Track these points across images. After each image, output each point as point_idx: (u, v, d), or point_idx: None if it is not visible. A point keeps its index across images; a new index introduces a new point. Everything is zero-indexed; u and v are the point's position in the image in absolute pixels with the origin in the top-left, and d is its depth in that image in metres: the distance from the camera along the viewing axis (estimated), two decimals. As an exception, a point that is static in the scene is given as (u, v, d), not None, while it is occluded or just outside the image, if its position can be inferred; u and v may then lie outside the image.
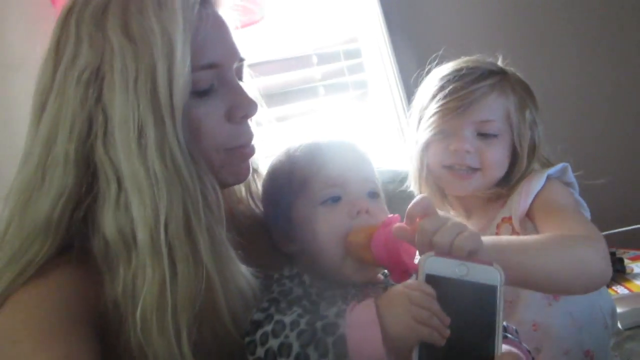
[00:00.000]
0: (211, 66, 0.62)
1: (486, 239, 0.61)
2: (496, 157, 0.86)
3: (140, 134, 0.56)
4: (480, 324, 0.51)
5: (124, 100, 0.56)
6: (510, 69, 0.93)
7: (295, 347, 0.53)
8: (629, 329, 1.07)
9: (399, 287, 0.54)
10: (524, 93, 0.89)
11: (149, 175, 0.56)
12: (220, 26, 0.65)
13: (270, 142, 0.79)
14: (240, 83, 0.67)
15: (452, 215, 0.61)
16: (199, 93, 0.62)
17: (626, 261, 1.29)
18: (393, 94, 1.45)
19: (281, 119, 1.44)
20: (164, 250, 0.55)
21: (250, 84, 0.75)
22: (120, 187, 0.57)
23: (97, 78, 0.57)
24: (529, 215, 0.83)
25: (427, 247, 0.55)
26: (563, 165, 0.87)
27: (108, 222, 0.57)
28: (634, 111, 1.55)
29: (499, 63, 0.94)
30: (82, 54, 0.58)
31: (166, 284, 0.55)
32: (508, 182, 0.88)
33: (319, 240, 0.66)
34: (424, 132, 0.90)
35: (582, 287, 0.72)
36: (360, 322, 0.53)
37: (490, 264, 0.53)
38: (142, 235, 0.56)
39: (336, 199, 0.67)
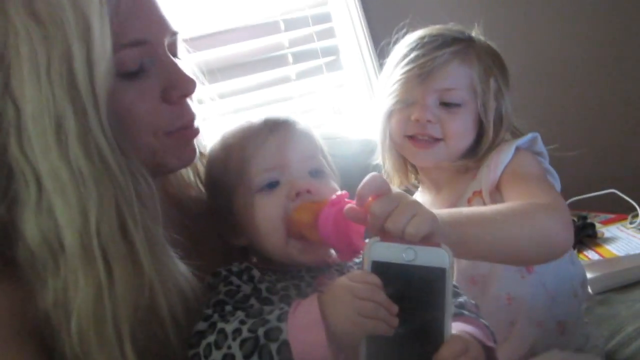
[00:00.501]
0: (137, 43, 0.56)
1: (444, 213, 0.60)
2: (459, 127, 0.84)
3: (59, 127, 0.50)
4: (430, 309, 0.50)
5: (35, 91, 0.50)
6: (481, 37, 0.90)
7: (239, 358, 0.50)
8: (600, 293, 1.08)
9: (342, 280, 0.52)
10: (490, 62, 0.86)
11: (73, 173, 0.51)
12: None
13: (225, 118, 0.74)
14: (175, 60, 0.62)
15: (405, 192, 0.59)
16: (128, 75, 0.56)
17: (597, 225, 1.30)
18: (365, 60, 1.41)
19: (248, 90, 1.38)
20: (98, 254, 0.51)
21: (187, 60, 0.70)
22: (41, 189, 0.51)
23: (1, 66, 0.51)
24: (498, 187, 0.81)
25: (379, 231, 0.53)
26: (532, 135, 0.86)
27: (30, 229, 0.52)
28: (608, 79, 1.54)
29: (474, 32, 0.91)
30: None
31: (102, 291, 0.51)
32: (476, 154, 0.86)
33: (260, 229, 0.63)
34: (386, 101, 0.87)
35: (543, 257, 0.71)
36: (302, 324, 0.50)
37: (438, 245, 0.51)
38: (70, 241, 0.51)
39: (274, 184, 0.64)
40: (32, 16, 0.50)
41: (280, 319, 0.51)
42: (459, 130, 0.84)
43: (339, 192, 0.60)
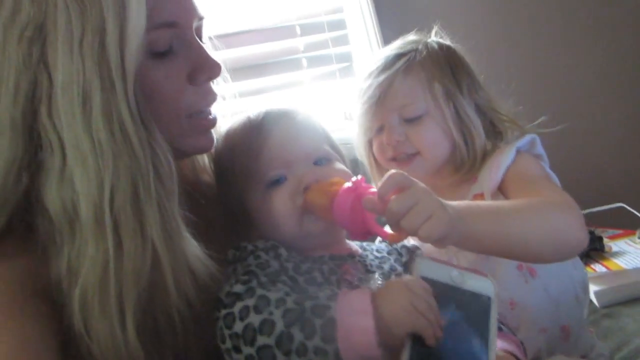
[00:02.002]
0: (169, 25, 0.58)
1: (461, 206, 0.59)
2: (428, 137, 0.85)
3: (85, 98, 0.52)
4: (473, 333, 0.50)
5: (67, 62, 0.51)
6: (434, 41, 0.90)
7: (279, 326, 0.50)
8: (606, 306, 1.07)
9: (397, 279, 0.52)
10: (434, 68, 0.86)
11: (94, 145, 0.52)
12: None
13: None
14: (201, 44, 0.63)
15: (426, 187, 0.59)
16: (158, 54, 0.58)
17: (605, 240, 1.30)
18: (378, 67, 1.42)
19: (261, 91, 1.40)
20: (109, 225, 0.52)
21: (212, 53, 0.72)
22: (65, 158, 0.52)
23: (40, 36, 0.52)
24: (501, 189, 0.81)
25: (397, 227, 0.54)
26: (531, 137, 0.86)
27: (51, 196, 0.53)
28: (619, 91, 1.54)
29: (432, 34, 0.93)
30: (23, 8, 0.52)
31: (109, 263, 0.52)
32: (463, 162, 0.86)
33: (272, 224, 0.64)
34: (359, 134, 0.91)
35: (558, 255, 0.70)
36: (352, 307, 0.50)
37: (485, 275, 0.52)
38: (85, 211, 0.52)
39: (282, 179, 0.65)
40: None
41: (330, 298, 0.51)
42: (429, 141, 0.85)
43: (354, 178, 0.60)
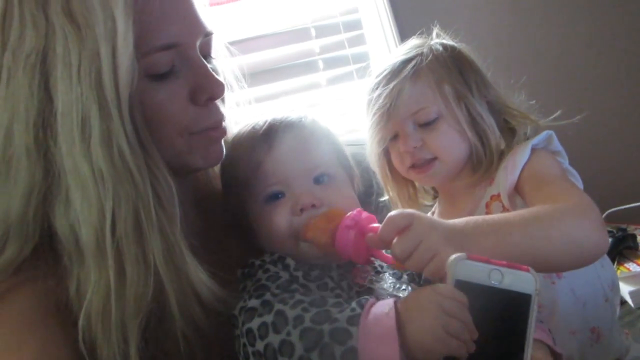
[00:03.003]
0: (169, 47, 0.57)
1: (467, 225, 0.57)
2: (444, 141, 0.83)
3: (84, 125, 0.51)
4: (510, 334, 0.48)
5: (67, 89, 0.51)
6: (437, 43, 0.88)
7: (298, 349, 0.48)
8: (642, 307, 1.03)
9: (428, 292, 0.49)
10: (442, 70, 0.84)
11: (93, 172, 0.52)
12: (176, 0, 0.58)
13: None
14: (213, 60, 0.62)
15: (427, 219, 0.56)
16: (158, 76, 0.57)
17: (639, 238, 1.24)
18: (395, 67, 1.40)
19: (278, 95, 1.39)
20: (110, 252, 0.52)
21: (226, 61, 0.71)
22: (67, 184, 0.53)
23: (42, 62, 0.52)
24: (517, 189, 0.79)
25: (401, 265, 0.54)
26: (547, 133, 0.83)
27: (60, 221, 0.54)
28: None
29: (434, 36, 0.91)
30: (27, 35, 0.52)
31: (111, 291, 0.52)
32: (480, 162, 0.85)
33: (271, 239, 0.64)
34: (373, 144, 0.89)
35: (574, 263, 0.67)
36: (376, 333, 0.47)
37: (527, 269, 0.49)
38: (86, 237, 0.52)
39: (280, 195, 0.64)
40: (68, 17, 0.51)
41: (351, 321, 0.48)
42: (446, 144, 0.84)
43: (351, 212, 0.59)
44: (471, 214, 0.84)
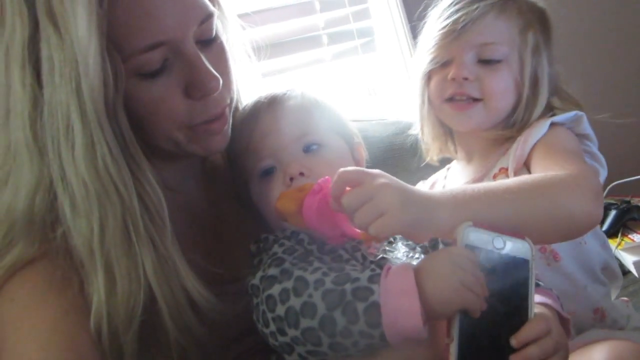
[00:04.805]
0: (155, 46, 0.54)
1: (450, 193, 0.56)
2: (499, 85, 0.78)
3: (68, 132, 0.50)
4: (513, 295, 0.52)
5: (52, 91, 0.50)
6: None
7: (321, 309, 0.48)
8: (645, 277, 1.05)
9: (442, 252, 0.51)
10: (532, 16, 0.80)
11: (79, 181, 0.50)
12: None
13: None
14: (212, 44, 0.60)
15: (388, 179, 0.53)
16: (150, 74, 0.55)
17: (642, 209, 1.25)
18: (400, 41, 1.39)
19: (282, 71, 1.38)
20: (100, 264, 0.52)
21: (239, 37, 0.69)
22: (57, 189, 0.52)
23: (32, 59, 0.50)
24: (527, 164, 0.76)
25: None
26: (575, 113, 0.78)
27: (68, 225, 0.52)
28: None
29: None
30: (17, 30, 0.50)
31: (101, 304, 0.52)
32: (513, 123, 0.82)
33: (266, 215, 0.65)
34: (423, 61, 0.84)
35: (563, 234, 0.63)
36: (396, 289, 0.48)
37: (523, 237, 0.53)
38: (78, 245, 0.52)
39: (271, 170, 0.64)
40: (50, 17, 0.49)
41: (372, 279, 0.49)
42: (499, 89, 0.79)
43: (321, 179, 0.58)
44: (479, 180, 0.82)
